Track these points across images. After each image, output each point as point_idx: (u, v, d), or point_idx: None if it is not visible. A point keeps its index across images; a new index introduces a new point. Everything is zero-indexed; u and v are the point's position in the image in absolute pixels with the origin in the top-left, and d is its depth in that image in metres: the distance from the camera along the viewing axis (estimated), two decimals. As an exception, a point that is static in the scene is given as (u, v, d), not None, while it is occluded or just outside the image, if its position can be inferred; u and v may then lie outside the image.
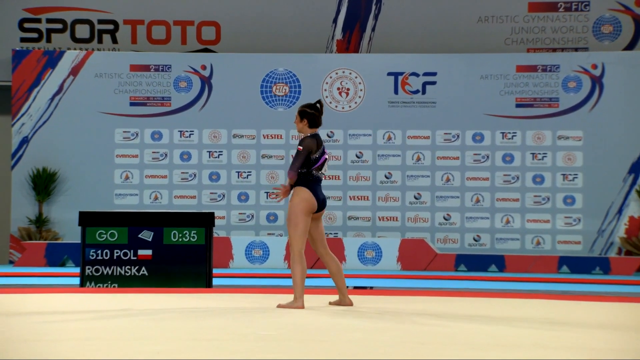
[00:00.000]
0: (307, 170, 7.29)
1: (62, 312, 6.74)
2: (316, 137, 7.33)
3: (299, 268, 7.20)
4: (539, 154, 15.38)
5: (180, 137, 15.59)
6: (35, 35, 16.03)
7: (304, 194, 7.24)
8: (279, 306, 7.24)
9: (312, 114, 7.38)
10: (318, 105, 7.43)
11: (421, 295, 8.97)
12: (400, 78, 15.63)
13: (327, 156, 7.40)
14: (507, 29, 16.04)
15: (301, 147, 7.25)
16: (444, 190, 15.45)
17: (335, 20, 16.12)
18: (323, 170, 7.37)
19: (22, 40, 15.99)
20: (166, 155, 15.55)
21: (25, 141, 15.48)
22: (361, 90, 15.65)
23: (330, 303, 7.53)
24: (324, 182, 7.41)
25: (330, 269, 7.42)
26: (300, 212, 7.22)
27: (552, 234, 15.24)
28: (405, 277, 13.16)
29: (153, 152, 15.57)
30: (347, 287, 10.74)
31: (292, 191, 7.32)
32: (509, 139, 15.44)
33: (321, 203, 7.33)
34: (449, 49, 15.86)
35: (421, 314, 7.00)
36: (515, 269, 14.34)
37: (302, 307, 7.19)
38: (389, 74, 15.66)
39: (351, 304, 7.45)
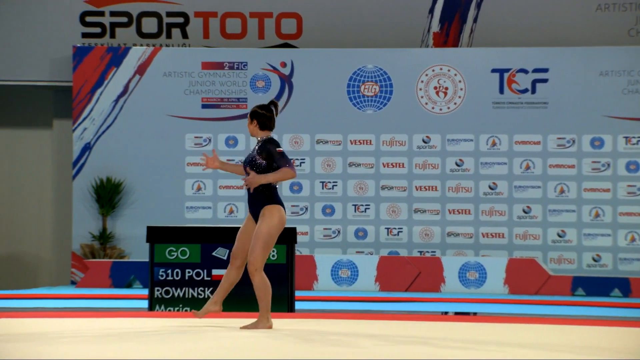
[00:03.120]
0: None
1: (129, 337, 6.84)
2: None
3: (265, 282, 7.47)
4: (669, 161, 15.09)
5: (258, 142, 15.70)
6: (98, 30, 16.34)
7: (280, 214, 7.50)
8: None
9: (262, 115, 7.64)
10: (272, 106, 7.67)
11: (532, 322, 8.87)
12: (506, 75, 15.52)
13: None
14: (630, 18, 15.78)
15: (280, 149, 7.58)
16: (557, 203, 15.26)
17: (431, 11, 16.08)
18: None
19: (84, 35, 16.29)
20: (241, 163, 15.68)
21: (87, 148, 15.78)
22: (461, 89, 15.58)
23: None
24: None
25: (230, 279, 7.66)
26: (276, 235, 7.50)
27: (684, 254, 14.93)
28: (513, 302, 13.04)
29: (227, 160, 15.72)
30: (447, 312, 10.70)
31: (263, 210, 7.47)
32: (634, 144, 15.18)
33: None
34: (563, 42, 15.68)
35: (531, 346, 6.92)
36: (641, 294, 14.11)
37: (270, 326, 7.46)
38: (494, 70, 15.55)
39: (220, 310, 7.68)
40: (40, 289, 14.63)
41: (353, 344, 6.71)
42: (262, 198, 7.51)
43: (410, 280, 14.37)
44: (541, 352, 6.51)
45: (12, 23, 16.15)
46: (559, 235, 15.20)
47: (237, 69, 15.80)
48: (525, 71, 15.47)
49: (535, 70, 15.45)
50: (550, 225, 15.21)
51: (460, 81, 15.56)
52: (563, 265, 15.09)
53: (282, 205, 7.57)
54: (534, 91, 15.44)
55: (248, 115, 7.73)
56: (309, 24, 16.24)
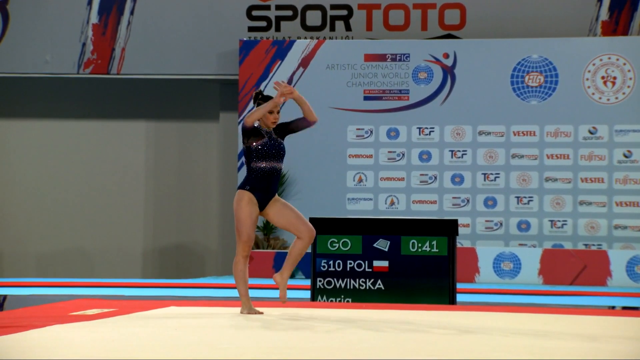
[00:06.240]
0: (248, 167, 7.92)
1: (294, 326, 6.92)
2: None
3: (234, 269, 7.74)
4: None
5: (419, 134, 15.66)
6: (263, 23, 16.57)
7: (238, 197, 7.76)
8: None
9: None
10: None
11: None
12: (678, 64, 15.05)
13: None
14: None
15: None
16: None
17: (599, -2, 15.69)
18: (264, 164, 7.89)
19: (250, 29, 16.56)
20: (403, 155, 15.67)
21: (252, 140, 16.02)
22: (630, 79, 15.15)
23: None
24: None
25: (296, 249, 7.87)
26: (243, 218, 7.66)
27: None
28: (683, 298, 12.62)
29: (389, 152, 15.72)
30: (614, 307, 10.43)
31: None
32: None
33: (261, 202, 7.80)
34: None
35: None
36: None
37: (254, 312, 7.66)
38: (665, 59, 15.10)
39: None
40: (207, 279, 14.97)
41: (517, 338, 6.61)
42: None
43: (575, 273, 14.07)
44: None
45: (181, 19, 16.55)
46: None
47: (400, 60, 15.77)
48: (698, 59, 14.98)
49: None
50: None
51: (629, 70, 15.14)
52: None
53: (245, 188, 7.79)
54: None
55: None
56: (472, 14, 16.06)
